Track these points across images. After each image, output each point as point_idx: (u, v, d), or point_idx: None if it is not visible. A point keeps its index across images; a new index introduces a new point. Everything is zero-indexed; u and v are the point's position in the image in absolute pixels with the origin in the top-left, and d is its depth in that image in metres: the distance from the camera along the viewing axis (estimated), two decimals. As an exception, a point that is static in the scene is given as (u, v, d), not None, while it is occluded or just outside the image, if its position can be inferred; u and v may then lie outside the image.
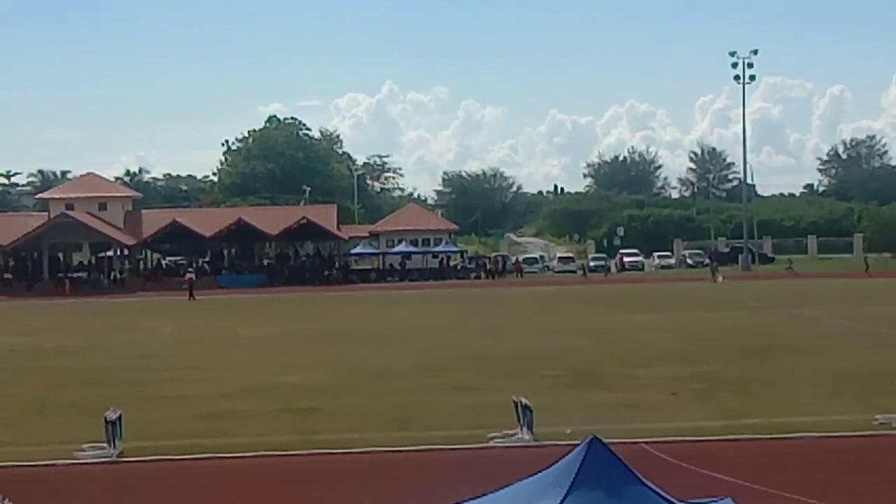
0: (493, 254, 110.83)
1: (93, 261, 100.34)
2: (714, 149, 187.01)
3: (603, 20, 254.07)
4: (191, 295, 71.12)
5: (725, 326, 40.35)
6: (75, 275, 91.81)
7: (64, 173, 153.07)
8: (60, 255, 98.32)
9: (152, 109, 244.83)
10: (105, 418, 18.22)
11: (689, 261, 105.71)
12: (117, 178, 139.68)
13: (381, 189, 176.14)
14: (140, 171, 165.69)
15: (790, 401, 22.25)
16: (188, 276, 78.28)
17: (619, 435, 16.90)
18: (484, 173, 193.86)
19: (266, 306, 61.78)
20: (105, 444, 18.14)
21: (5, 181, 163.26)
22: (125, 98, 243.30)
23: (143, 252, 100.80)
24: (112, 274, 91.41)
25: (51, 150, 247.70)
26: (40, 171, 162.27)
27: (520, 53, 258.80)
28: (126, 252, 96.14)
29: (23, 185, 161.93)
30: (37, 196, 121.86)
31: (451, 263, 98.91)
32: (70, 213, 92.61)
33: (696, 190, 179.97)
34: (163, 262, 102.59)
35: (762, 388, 24.00)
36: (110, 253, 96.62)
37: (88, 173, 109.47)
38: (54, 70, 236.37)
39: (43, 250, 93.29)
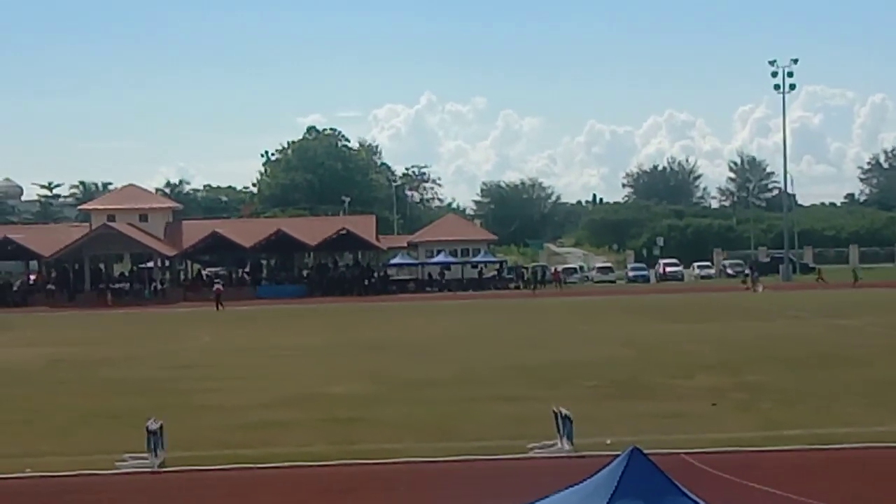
0: (532, 264, 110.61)
1: (134, 271, 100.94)
2: (754, 158, 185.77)
3: (641, 29, 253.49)
4: (218, 305, 71.75)
5: (767, 336, 40.10)
6: (117, 285, 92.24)
7: (105, 185, 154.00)
8: (102, 266, 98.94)
9: (192, 121, 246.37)
10: (146, 428, 18.35)
11: (728, 271, 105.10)
12: (158, 190, 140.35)
13: (420, 199, 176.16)
14: (181, 182, 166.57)
15: (832, 411, 22.13)
16: (216, 287, 78.52)
17: (660, 445, 16.88)
18: (522, 183, 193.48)
19: (306, 317, 61.94)
20: (146, 455, 18.27)
21: (48, 192, 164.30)
22: (166, 109, 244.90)
23: (184, 263, 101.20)
24: (153, 285, 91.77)
25: (92, 161, 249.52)
26: (82, 183, 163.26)
27: (558, 63, 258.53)
28: (167, 263, 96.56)
29: (65, 197, 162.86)
30: (79, 207, 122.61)
31: (490, 274, 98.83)
32: (111, 224, 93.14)
33: (735, 199, 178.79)
34: (203, 272, 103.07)
35: (804, 399, 23.88)
36: (151, 264, 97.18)
37: (130, 184, 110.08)
38: (96, 82, 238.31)
39: (84, 261, 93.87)
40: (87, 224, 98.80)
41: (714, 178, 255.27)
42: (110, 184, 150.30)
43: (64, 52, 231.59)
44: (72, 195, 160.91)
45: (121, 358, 38.43)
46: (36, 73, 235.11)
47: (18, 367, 36.16)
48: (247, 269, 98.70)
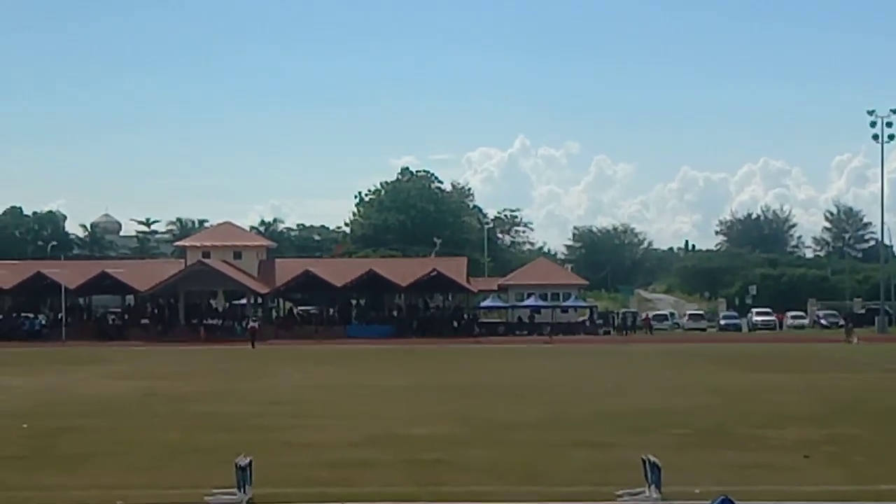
0: (622, 310, 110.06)
1: (227, 308, 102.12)
2: (850, 208, 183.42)
3: (737, 76, 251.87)
4: (252, 344, 72.61)
5: (861, 388, 39.36)
6: (210, 321, 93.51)
7: (201, 222, 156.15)
8: (196, 302, 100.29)
9: (288, 160, 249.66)
10: (236, 464, 18.51)
11: (822, 321, 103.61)
12: (252, 228, 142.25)
13: (511, 243, 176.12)
14: (275, 220, 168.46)
15: (928, 467, 21.64)
16: (251, 325, 79.47)
17: (749, 496, 16.65)
18: (614, 228, 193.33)
19: (394, 357, 62.09)
20: (235, 490, 18.41)
21: (145, 228, 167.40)
22: (262, 149, 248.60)
23: (276, 300, 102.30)
24: (245, 321, 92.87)
25: (189, 198, 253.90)
26: (179, 220, 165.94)
27: (652, 109, 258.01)
28: (259, 300, 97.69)
29: (162, 233, 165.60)
30: (175, 243, 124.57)
31: (580, 319, 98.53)
32: (206, 260, 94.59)
33: (831, 249, 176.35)
34: (295, 310, 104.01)
35: (899, 454, 23.39)
36: (244, 300, 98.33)
37: (225, 222, 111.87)
38: (195, 120, 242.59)
39: (179, 296, 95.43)
40: (183, 260, 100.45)
41: (809, 228, 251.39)
42: (206, 221, 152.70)
43: (163, 89, 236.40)
44: (168, 231, 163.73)
45: (211, 393, 38.89)
46: (136, 111, 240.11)
47: (112, 399, 36.74)
48: (336, 308, 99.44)
